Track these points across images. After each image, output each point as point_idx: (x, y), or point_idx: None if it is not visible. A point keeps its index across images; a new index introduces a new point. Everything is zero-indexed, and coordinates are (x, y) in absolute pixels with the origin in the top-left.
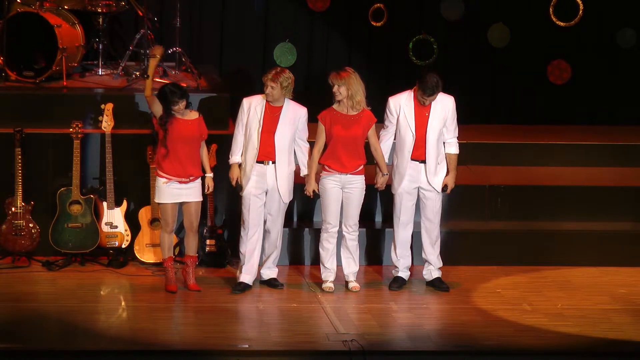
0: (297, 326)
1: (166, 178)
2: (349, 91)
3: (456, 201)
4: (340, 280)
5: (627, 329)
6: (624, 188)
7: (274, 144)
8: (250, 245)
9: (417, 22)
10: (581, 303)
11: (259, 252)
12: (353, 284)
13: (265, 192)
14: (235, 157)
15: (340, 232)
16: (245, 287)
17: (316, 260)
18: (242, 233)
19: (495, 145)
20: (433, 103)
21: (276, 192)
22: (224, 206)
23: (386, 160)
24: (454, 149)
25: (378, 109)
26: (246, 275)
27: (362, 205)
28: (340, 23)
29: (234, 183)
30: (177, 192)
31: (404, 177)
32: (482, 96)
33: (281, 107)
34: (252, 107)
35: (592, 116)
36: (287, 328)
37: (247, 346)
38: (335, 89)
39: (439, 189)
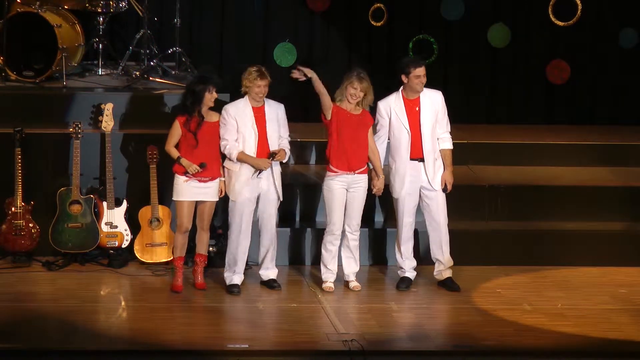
0: (297, 326)
1: (187, 177)
2: (367, 94)
3: (456, 201)
4: (341, 280)
5: (627, 329)
6: (623, 188)
7: (268, 147)
8: (242, 249)
9: (417, 22)
10: (581, 303)
11: (246, 254)
12: (354, 284)
13: (257, 197)
14: (236, 152)
15: (342, 233)
16: (240, 288)
17: (316, 260)
18: (232, 237)
19: (495, 145)
20: (422, 97)
21: (272, 192)
22: (224, 207)
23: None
24: (447, 144)
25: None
26: (239, 277)
27: (364, 205)
28: (340, 23)
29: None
30: (197, 190)
31: (404, 179)
32: (482, 96)
33: (263, 106)
34: (240, 113)
35: (592, 116)
36: (287, 328)
37: (247, 346)
38: (359, 92)
39: (440, 187)
